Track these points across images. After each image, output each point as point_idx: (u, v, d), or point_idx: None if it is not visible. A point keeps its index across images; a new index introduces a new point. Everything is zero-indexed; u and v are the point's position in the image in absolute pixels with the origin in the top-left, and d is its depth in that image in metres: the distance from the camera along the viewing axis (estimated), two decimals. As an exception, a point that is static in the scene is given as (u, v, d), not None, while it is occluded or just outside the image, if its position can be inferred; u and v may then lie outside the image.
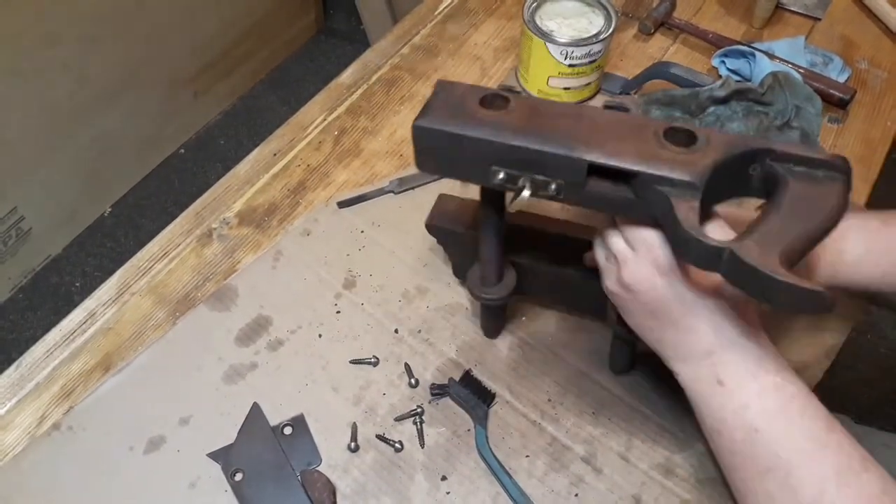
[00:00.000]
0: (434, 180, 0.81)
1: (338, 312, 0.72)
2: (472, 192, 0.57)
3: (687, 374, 0.51)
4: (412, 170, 0.82)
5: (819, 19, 1.00)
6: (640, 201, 0.47)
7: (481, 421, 0.64)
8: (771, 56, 0.90)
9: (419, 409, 0.65)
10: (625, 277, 0.51)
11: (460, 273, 0.72)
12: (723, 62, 0.93)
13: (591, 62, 0.85)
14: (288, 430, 0.64)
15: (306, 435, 0.64)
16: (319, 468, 0.62)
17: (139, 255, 0.76)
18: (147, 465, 0.63)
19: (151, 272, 0.75)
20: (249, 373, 0.68)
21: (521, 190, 0.48)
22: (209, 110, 2.02)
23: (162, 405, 0.65)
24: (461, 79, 0.93)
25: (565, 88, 0.88)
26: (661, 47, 0.97)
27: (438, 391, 0.66)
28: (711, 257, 0.44)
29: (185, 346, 0.69)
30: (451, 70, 0.94)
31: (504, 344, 0.70)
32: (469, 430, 0.65)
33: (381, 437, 0.64)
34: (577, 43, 0.82)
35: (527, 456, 0.63)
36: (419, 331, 0.70)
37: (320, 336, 0.70)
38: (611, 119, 0.49)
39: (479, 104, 0.50)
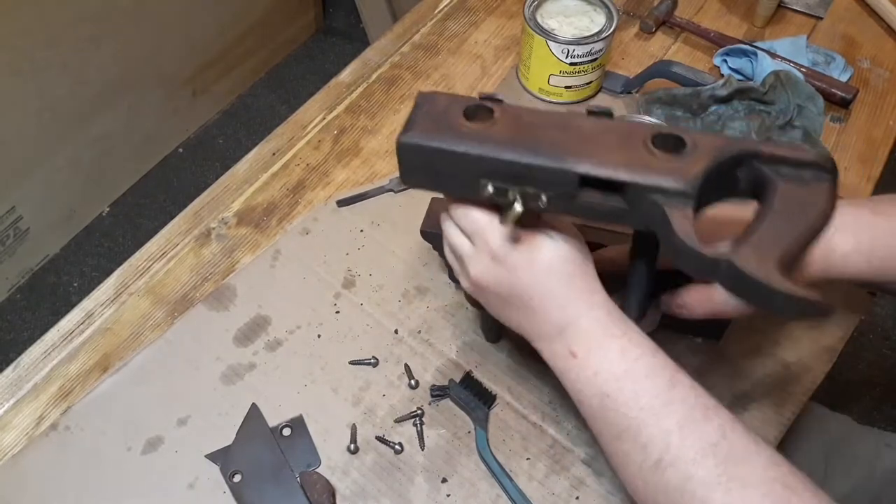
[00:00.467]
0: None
1: (337, 312, 0.71)
2: None
3: (547, 351, 0.53)
4: (412, 169, 0.82)
5: (821, 18, 0.99)
6: (632, 211, 0.47)
7: (482, 423, 0.64)
8: (773, 55, 0.90)
9: (419, 411, 0.65)
10: (472, 276, 0.52)
11: (456, 278, 0.72)
12: (724, 61, 0.93)
13: (592, 60, 0.84)
14: (287, 431, 0.64)
15: (305, 436, 0.64)
16: (319, 470, 0.62)
17: (137, 254, 0.76)
18: (145, 465, 0.62)
19: (150, 272, 0.75)
20: (248, 373, 0.67)
21: (511, 203, 0.48)
22: (208, 109, 2.01)
23: (160, 406, 0.65)
24: (462, 77, 0.92)
25: (566, 87, 0.87)
26: (662, 46, 0.97)
27: (439, 392, 0.66)
28: (709, 267, 0.44)
29: (183, 347, 0.69)
30: (452, 69, 0.93)
31: (505, 345, 0.69)
32: (469, 431, 0.64)
33: (380, 439, 0.64)
34: (579, 41, 0.82)
35: (527, 458, 0.63)
36: (419, 331, 0.70)
37: (319, 336, 0.70)
38: (598, 127, 0.48)
39: (463, 116, 0.49)
